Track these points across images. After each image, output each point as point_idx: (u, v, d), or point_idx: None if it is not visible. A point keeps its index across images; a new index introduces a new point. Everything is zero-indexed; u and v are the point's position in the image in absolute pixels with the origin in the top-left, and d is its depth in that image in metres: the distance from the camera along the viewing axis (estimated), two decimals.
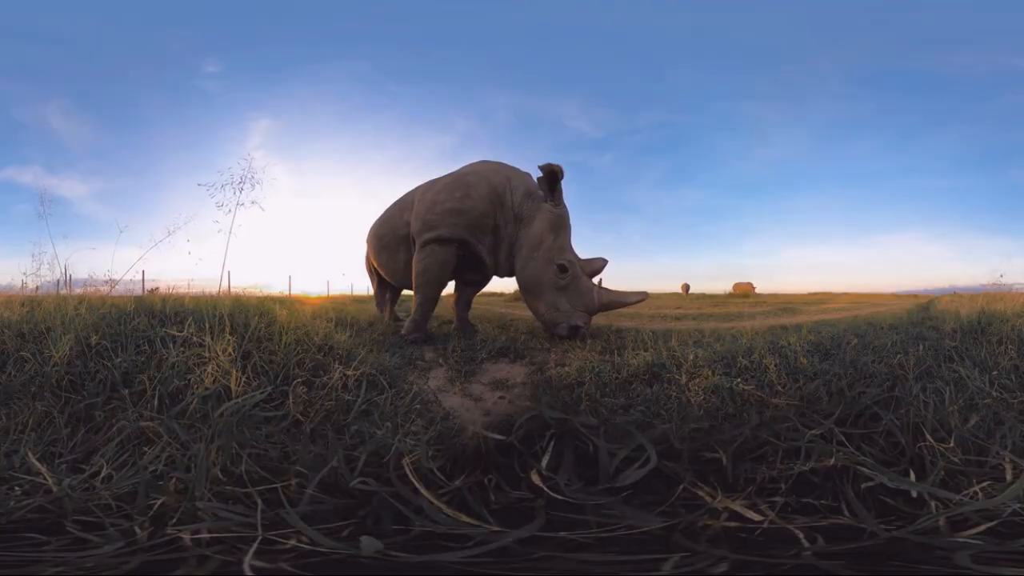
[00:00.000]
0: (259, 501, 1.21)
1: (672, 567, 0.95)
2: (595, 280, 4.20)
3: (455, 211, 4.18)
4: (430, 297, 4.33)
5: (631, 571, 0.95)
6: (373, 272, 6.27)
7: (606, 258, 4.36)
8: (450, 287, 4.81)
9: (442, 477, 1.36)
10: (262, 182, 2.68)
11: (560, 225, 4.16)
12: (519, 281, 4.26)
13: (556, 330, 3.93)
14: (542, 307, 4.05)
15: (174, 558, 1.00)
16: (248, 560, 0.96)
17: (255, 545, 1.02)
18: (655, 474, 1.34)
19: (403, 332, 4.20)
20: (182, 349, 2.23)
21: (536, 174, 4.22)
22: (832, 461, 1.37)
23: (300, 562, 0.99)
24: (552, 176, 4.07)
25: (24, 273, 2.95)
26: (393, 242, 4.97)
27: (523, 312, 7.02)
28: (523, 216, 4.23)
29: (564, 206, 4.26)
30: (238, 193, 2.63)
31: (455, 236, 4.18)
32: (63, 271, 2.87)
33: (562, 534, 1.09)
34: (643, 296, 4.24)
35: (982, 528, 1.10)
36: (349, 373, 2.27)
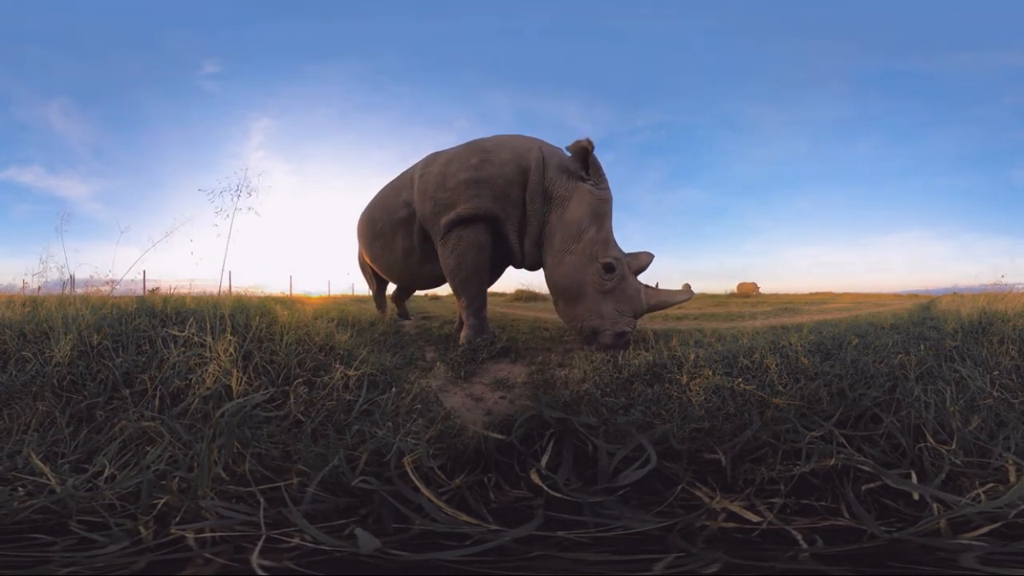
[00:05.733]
0: (262, 500, 1.22)
1: (665, 567, 0.95)
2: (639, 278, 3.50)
3: (473, 181, 3.43)
4: (475, 295, 3.64)
5: (625, 571, 0.96)
6: (367, 270, 5.50)
7: (652, 252, 3.59)
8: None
9: (442, 476, 1.36)
10: (258, 189, 2.79)
11: (604, 212, 3.39)
12: (550, 279, 3.50)
13: (600, 339, 3.28)
14: (582, 312, 3.35)
15: (181, 557, 1.01)
16: (255, 559, 0.96)
17: (260, 544, 1.03)
18: (654, 474, 1.34)
19: (461, 342, 3.62)
20: (183, 349, 2.24)
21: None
22: (832, 462, 1.37)
23: (303, 560, 0.99)
24: (583, 154, 3.32)
25: (28, 274, 2.99)
26: (388, 228, 4.20)
27: (524, 312, 6.98)
28: (555, 196, 3.44)
29: (608, 189, 3.46)
30: (235, 199, 2.73)
31: (480, 211, 3.43)
32: (70, 277, 2.93)
33: (559, 534, 1.10)
34: (690, 294, 3.53)
35: (985, 530, 1.10)
36: (350, 373, 2.27)
